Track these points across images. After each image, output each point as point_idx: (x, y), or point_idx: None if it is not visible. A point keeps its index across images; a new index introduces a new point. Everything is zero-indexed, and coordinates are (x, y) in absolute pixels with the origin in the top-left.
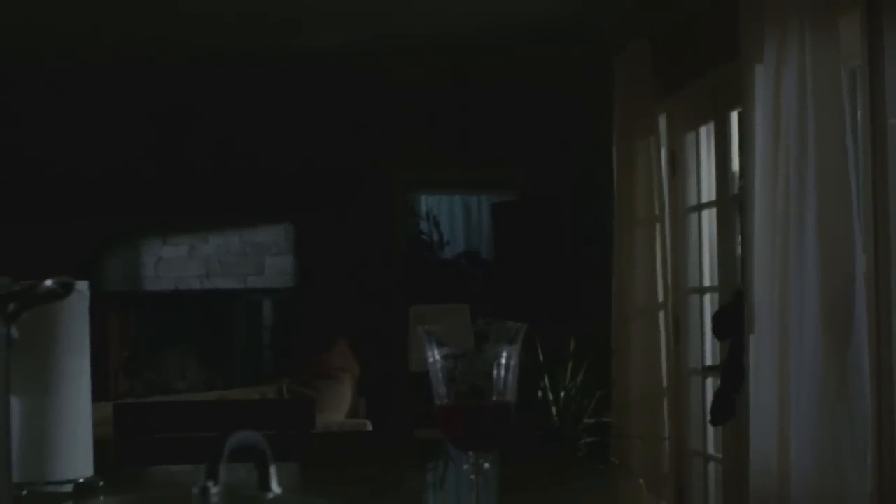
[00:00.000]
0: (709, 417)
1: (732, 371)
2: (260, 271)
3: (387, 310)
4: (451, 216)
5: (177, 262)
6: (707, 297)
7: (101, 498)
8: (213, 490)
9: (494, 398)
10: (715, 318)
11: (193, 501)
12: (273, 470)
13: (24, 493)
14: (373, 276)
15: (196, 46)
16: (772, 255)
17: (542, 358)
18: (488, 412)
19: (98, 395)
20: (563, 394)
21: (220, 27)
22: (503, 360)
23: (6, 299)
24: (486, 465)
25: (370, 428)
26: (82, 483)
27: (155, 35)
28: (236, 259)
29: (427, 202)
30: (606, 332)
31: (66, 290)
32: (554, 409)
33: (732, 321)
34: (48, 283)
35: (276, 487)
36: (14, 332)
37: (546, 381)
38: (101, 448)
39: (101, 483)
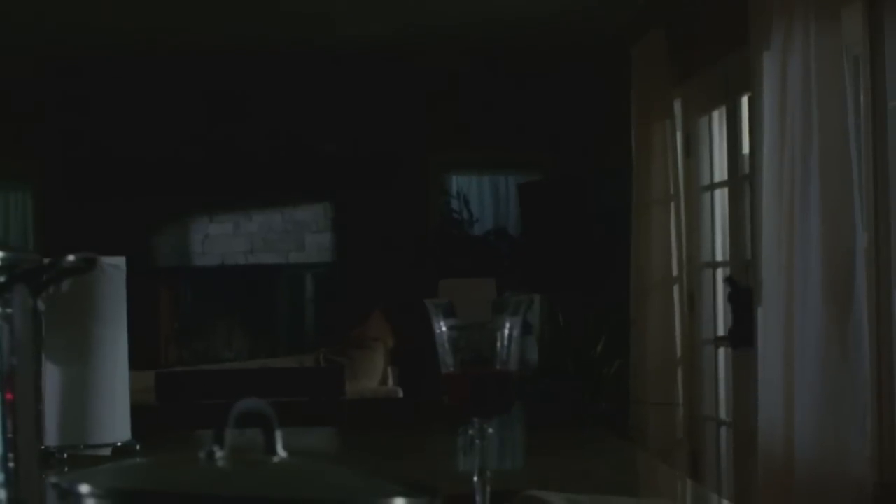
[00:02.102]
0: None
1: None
2: (301, 247)
3: (420, 283)
4: (480, 195)
5: (223, 239)
6: (719, 272)
7: (137, 459)
8: (219, 454)
9: (497, 367)
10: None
11: (200, 465)
12: (279, 434)
13: (65, 455)
14: (407, 251)
15: (244, 36)
16: (778, 231)
17: (563, 328)
18: (491, 381)
19: (150, 363)
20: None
21: (268, 18)
22: (506, 331)
23: (33, 274)
24: (490, 431)
25: (401, 395)
26: (120, 446)
27: (204, 25)
28: (279, 236)
29: (458, 182)
30: (625, 304)
31: (89, 265)
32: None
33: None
34: (70, 258)
35: (281, 451)
36: (40, 304)
37: (567, 350)
38: (147, 413)
39: (139, 446)
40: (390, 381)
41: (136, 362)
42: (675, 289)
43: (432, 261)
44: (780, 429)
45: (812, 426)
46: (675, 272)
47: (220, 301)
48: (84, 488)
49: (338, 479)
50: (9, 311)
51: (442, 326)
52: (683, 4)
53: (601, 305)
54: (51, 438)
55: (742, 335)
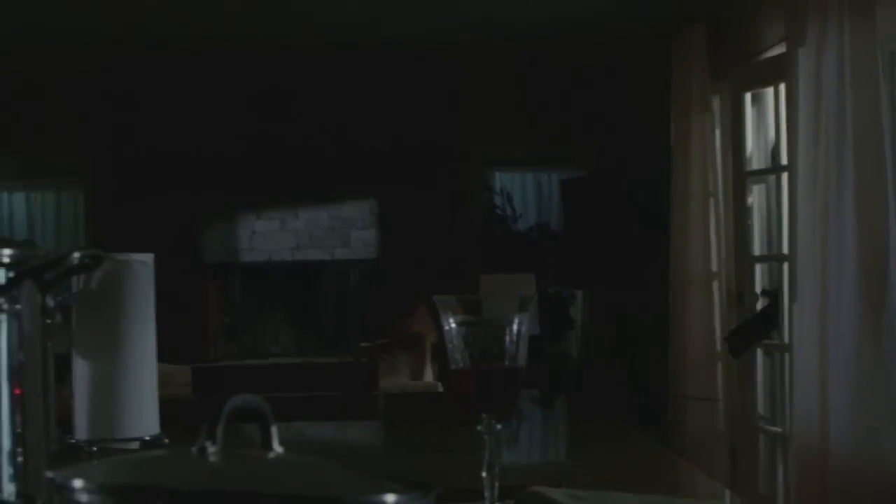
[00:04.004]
0: (728, 347)
1: (765, 321)
2: (346, 244)
3: (463, 279)
4: (523, 191)
5: (269, 236)
6: (758, 266)
7: (168, 450)
8: (211, 449)
9: (506, 363)
10: (731, 334)
11: (192, 461)
12: (274, 430)
13: (94, 449)
14: (451, 247)
15: (290, 34)
16: (813, 227)
17: (603, 323)
18: (499, 376)
19: (199, 358)
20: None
21: (313, 17)
22: (514, 327)
23: (41, 270)
24: (499, 427)
25: (441, 389)
26: (148, 440)
27: (251, 25)
28: (324, 232)
29: (501, 179)
30: (665, 299)
31: (95, 262)
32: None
33: (748, 337)
34: (76, 255)
35: (277, 447)
36: (49, 301)
37: (606, 344)
38: (188, 407)
39: (167, 440)
40: (431, 376)
41: (185, 357)
42: (715, 284)
43: (476, 257)
44: (815, 424)
45: (847, 421)
46: (714, 267)
47: (268, 297)
48: (78, 483)
49: (330, 475)
50: (17, 307)
51: (451, 322)
52: (720, 1)
53: (642, 300)
54: (81, 433)
55: (741, 344)
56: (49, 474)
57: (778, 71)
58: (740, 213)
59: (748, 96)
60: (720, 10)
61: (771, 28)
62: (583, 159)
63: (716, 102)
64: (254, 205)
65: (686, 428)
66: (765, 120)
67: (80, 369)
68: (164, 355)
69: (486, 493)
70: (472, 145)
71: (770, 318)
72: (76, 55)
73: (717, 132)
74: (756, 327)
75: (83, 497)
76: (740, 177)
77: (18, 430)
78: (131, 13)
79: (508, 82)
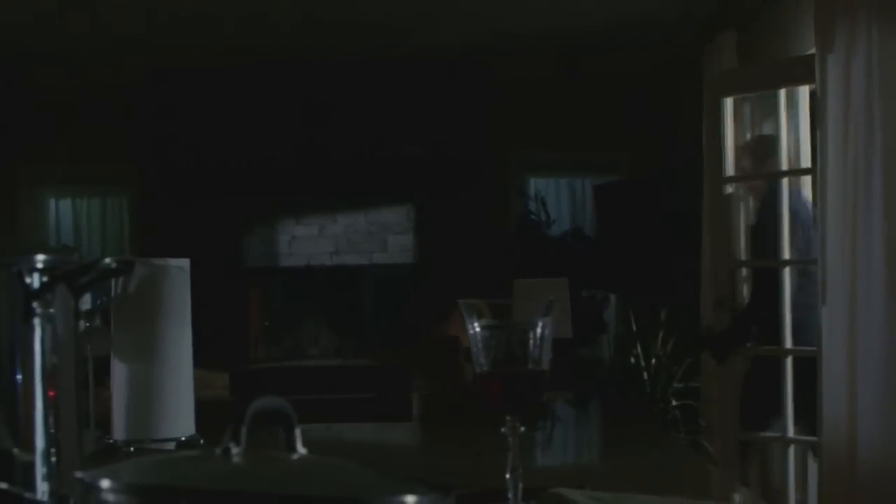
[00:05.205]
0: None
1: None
2: (384, 248)
3: (498, 283)
4: (557, 197)
5: (308, 241)
6: (786, 270)
7: (197, 451)
8: (235, 451)
9: (529, 367)
10: (712, 340)
11: (216, 462)
12: (298, 432)
13: (132, 449)
14: (486, 252)
15: (330, 44)
16: (842, 231)
17: (635, 327)
18: (522, 380)
19: (240, 360)
20: (653, 360)
21: (350, 27)
22: (538, 331)
23: (75, 274)
24: (523, 429)
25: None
26: (184, 441)
27: (292, 35)
28: (362, 237)
29: (535, 184)
30: (697, 302)
31: (128, 266)
32: (645, 375)
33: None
34: (108, 260)
35: (301, 448)
36: (82, 304)
37: (638, 348)
38: (223, 409)
39: (202, 441)
40: (467, 378)
41: (226, 360)
42: (745, 288)
43: (511, 261)
44: (844, 426)
45: (875, 425)
46: (744, 272)
47: (307, 300)
48: (105, 483)
49: (350, 476)
50: (51, 311)
51: (475, 326)
52: (752, 7)
53: (673, 304)
54: (118, 433)
55: (722, 349)
56: (79, 474)
57: (808, 76)
58: (718, 220)
59: (778, 102)
60: (751, 16)
61: (800, 34)
62: (616, 165)
63: (747, 107)
64: (293, 210)
65: (716, 431)
66: (797, 125)
67: (118, 371)
68: (205, 358)
69: (510, 495)
70: (507, 151)
71: (748, 324)
72: (123, 65)
73: (748, 137)
74: (735, 332)
75: (110, 496)
76: (718, 181)
77: (52, 430)
78: (176, 24)
79: (543, 89)
